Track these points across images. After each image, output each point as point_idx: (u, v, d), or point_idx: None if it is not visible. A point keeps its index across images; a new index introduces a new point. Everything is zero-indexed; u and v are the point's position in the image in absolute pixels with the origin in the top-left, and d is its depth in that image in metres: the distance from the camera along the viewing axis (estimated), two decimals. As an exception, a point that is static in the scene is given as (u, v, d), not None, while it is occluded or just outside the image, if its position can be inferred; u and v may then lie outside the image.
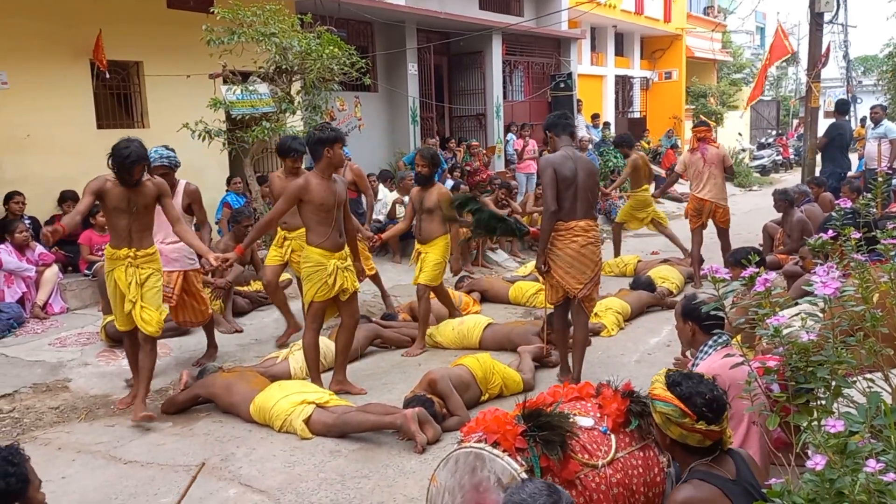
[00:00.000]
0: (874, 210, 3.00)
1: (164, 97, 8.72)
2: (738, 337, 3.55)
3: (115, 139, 4.65)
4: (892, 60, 16.38)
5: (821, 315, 2.12)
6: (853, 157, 12.08)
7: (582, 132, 15.56)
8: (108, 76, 8.19)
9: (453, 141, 13.21)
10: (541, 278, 5.43)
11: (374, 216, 8.18)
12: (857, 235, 2.45)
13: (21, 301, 6.58)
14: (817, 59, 12.10)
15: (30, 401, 5.06)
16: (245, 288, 7.31)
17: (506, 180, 11.82)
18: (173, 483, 3.97)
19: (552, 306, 5.34)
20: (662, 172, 17.21)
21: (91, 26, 7.91)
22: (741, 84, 27.19)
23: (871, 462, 1.63)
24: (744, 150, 23.02)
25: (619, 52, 20.91)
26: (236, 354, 6.07)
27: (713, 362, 3.10)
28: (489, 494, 2.69)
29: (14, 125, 7.55)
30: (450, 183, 10.84)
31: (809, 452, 2.00)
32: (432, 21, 12.79)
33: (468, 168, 12.02)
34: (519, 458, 2.70)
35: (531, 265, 8.97)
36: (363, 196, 7.48)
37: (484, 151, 13.43)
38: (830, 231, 2.50)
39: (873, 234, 2.51)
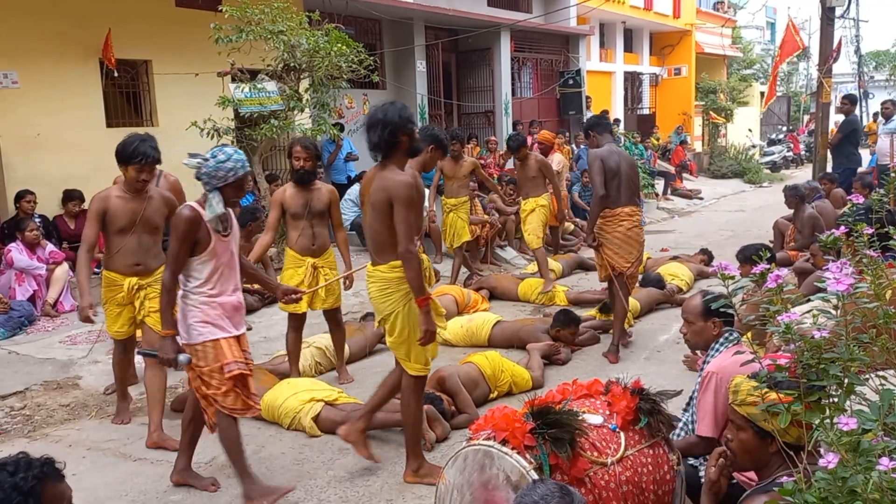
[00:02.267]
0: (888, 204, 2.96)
1: (173, 95, 8.75)
2: (749, 334, 3.52)
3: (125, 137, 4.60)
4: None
5: (833, 312, 2.10)
6: (864, 153, 12.00)
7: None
8: (116, 75, 8.22)
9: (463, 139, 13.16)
10: (595, 254, 5.92)
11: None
12: (870, 231, 2.41)
13: (32, 299, 6.62)
14: (828, 55, 12.02)
15: (41, 398, 5.08)
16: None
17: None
18: (183, 480, 3.98)
19: (605, 280, 5.91)
20: (672, 169, 17.17)
21: (100, 25, 7.95)
22: (751, 80, 27.04)
23: (885, 460, 1.61)
24: (754, 147, 22.88)
25: (628, 48, 20.82)
26: (245, 352, 6.07)
27: (724, 360, 3.08)
28: (498, 492, 2.68)
29: (24, 124, 7.59)
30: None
31: (822, 450, 1.98)
32: (440, 18, 12.78)
33: (481, 162, 11.99)
34: (528, 455, 2.69)
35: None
36: None
37: (501, 153, 13.37)
38: (842, 227, 2.47)
39: (886, 229, 2.48)
